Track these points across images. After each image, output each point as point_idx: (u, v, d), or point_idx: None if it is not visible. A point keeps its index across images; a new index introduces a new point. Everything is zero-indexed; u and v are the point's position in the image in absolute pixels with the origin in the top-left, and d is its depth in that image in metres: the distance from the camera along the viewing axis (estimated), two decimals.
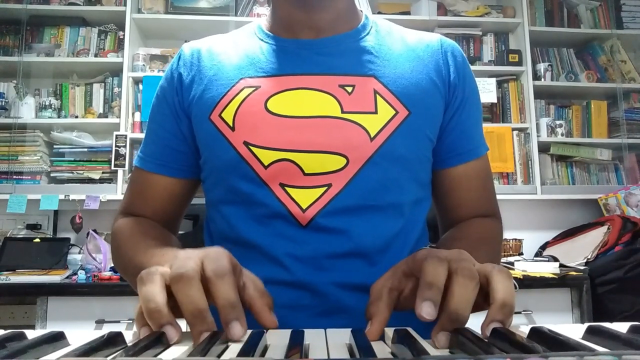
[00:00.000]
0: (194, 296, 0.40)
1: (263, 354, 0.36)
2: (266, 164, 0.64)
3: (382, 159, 0.64)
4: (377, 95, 0.66)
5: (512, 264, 2.15)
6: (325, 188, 0.64)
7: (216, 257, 0.43)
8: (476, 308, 0.42)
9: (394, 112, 0.65)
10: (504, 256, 2.33)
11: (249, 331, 0.40)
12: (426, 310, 0.39)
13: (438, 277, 0.41)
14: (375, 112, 0.65)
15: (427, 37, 0.73)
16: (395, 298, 0.47)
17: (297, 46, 0.69)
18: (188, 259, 0.43)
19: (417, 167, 0.68)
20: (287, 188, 0.64)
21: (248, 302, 0.45)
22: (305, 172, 0.64)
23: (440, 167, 0.72)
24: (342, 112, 0.65)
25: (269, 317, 0.45)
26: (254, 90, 0.67)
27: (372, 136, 0.64)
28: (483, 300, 0.43)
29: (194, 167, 0.73)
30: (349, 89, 0.66)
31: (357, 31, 0.72)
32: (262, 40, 0.72)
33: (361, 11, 0.75)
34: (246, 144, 0.65)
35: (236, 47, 0.72)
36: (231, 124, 0.66)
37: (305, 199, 0.64)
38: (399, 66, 0.69)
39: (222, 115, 0.66)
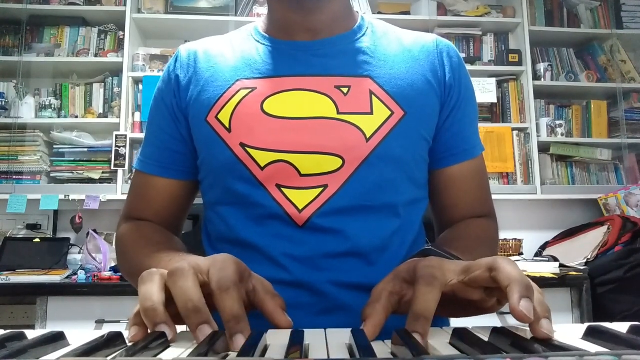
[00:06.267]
0: (187, 288, 0.40)
1: (263, 354, 0.36)
2: (262, 165, 0.64)
3: (377, 159, 0.64)
4: (373, 96, 0.66)
5: None
6: (321, 189, 0.64)
7: (222, 266, 0.43)
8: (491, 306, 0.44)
9: (389, 112, 0.65)
10: (504, 256, 2.33)
11: None
12: None
13: (428, 307, 0.42)
14: (371, 113, 0.65)
15: (423, 38, 0.73)
16: (395, 302, 0.47)
17: (293, 48, 0.69)
18: (192, 262, 0.43)
19: (413, 168, 0.68)
20: (283, 189, 0.64)
21: (259, 304, 0.45)
22: (302, 173, 0.64)
23: (436, 167, 0.72)
24: (338, 113, 0.65)
25: (283, 318, 0.44)
26: (250, 92, 0.67)
27: (367, 137, 0.64)
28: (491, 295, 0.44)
29: (194, 168, 0.73)
30: (345, 90, 0.66)
31: (353, 32, 0.72)
32: (258, 41, 0.72)
33: (357, 12, 0.75)
34: (242, 145, 0.65)
35: (232, 49, 0.72)
36: (228, 126, 0.66)
37: (301, 200, 0.64)
38: (395, 67, 0.69)
39: (219, 116, 0.67)
